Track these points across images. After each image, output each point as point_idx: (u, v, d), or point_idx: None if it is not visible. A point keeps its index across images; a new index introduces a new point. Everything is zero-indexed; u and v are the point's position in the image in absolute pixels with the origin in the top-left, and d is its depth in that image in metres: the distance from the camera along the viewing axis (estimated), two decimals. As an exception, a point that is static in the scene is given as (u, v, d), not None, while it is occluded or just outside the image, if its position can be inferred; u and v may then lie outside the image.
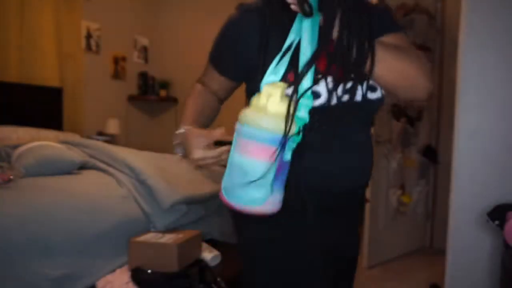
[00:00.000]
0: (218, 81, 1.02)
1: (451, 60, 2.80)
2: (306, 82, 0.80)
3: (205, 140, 0.85)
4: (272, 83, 0.81)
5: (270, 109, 0.77)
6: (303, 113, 0.81)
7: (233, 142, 0.80)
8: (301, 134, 0.80)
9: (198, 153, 0.84)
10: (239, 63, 0.95)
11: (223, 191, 0.82)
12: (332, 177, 0.91)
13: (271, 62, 0.86)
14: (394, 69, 0.84)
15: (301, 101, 0.80)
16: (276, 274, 0.90)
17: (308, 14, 0.79)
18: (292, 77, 0.84)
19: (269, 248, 0.91)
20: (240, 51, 0.93)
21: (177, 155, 0.95)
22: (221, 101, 1.07)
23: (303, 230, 0.92)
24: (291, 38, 0.83)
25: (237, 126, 0.80)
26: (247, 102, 0.96)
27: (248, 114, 0.78)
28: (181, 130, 0.92)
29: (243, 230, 0.95)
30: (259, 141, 0.77)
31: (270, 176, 0.78)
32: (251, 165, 0.77)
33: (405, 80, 0.85)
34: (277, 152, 0.76)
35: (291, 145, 0.80)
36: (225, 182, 0.82)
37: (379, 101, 0.92)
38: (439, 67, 3.37)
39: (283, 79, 0.84)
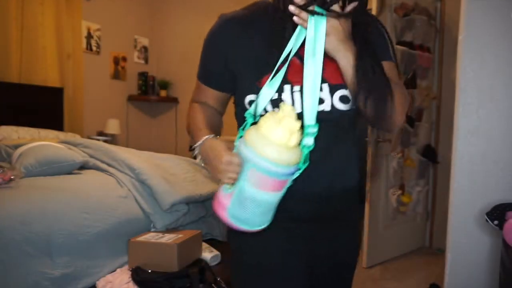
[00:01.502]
0: (211, 96, 1.01)
1: (451, 60, 2.81)
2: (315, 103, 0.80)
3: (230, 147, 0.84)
4: (288, 113, 0.78)
5: (291, 144, 0.76)
6: (311, 141, 0.80)
7: (245, 173, 0.77)
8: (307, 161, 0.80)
9: (227, 157, 0.80)
10: (224, 73, 0.94)
11: (231, 218, 0.81)
12: (311, 184, 0.91)
13: (248, 71, 0.89)
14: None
15: (310, 129, 0.80)
16: (260, 280, 0.93)
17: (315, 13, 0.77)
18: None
19: (253, 257, 0.93)
20: (221, 61, 0.93)
21: (197, 162, 0.95)
22: (221, 114, 1.06)
23: (289, 238, 0.93)
24: (287, 50, 0.82)
25: (249, 154, 0.76)
26: (237, 113, 0.98)
27: (268, 150, 0.75)
28: (201, 142, 0.90)
29: (238, 240, 0.96)
30: (279, 178, 0.77)
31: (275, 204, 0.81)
32: (266, 197, 0.78)
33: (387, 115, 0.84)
34: (288, 183, 0.79)
35: None
36: (234, 211, 0.80)
37: (351, 112, 0.90)
38: (439, 67, 3.38)
39: (279, 91, 0.85)
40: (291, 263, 0.93)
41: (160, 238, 1.81)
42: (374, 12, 2.50)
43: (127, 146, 3.75)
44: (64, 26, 3.50)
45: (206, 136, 0.89)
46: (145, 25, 4.45)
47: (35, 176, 1.97)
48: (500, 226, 1.38)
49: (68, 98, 3.53)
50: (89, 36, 3.84)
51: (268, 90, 0.84)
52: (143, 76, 4.35)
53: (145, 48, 4.47)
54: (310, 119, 0.79)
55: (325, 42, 0.77)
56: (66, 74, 3.52)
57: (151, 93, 4.39)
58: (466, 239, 1.65)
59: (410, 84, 3.08)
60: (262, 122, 0.78)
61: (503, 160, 1.58)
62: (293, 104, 0.87)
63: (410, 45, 3.06)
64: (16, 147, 2.25)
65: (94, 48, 3.89)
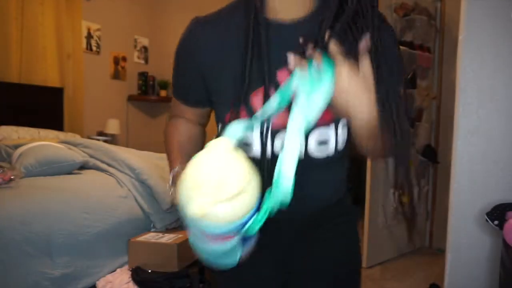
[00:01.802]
0: (190, 113, 0.89)
1: (451, 60, 2.81)
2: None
3: None
4: (225, 149, 0.58)
5: (230, 194, 0.55)
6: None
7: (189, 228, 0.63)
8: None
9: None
10: (200, 86, 0.80)
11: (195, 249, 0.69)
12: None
13: (225, 87, 0.75)
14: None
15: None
16: None
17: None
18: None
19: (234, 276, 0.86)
20: (195, 73, 0.79)
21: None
22: (203, 126, 0.94)
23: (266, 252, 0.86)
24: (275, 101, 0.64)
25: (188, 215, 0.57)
26: (218, 132, 0.83)
27: (194, 206, 0.55)
28: (175, 170, 0.81)
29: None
30: (217, 234, 0.59)
31: (236, 248, 0.64)
32: (213, 248, 0.64)
33: (381, 142, 0.68)
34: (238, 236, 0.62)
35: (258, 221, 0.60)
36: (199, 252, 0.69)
37: (329, 159, 0.77)
38: (439, 67, 3.38)
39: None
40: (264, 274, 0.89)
41: (160, 238, 1.81)
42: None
43: (127, 146, 3.75)
44: (64, 26, 3.50)
45: (175, 168, 0.82)
46: (145, 25, 4.45)
47: (35, 176, 1.97)
48: (500, 226, 1.38)
49: (68, 98, 3.53)
50: (89, 36, 3.84)
51: (236, 126, 0.63)
52: (143, 76, 4.35)
53: (145, 48, 4.47)
54: (287, 172, 0.57)
55: (330, 99, 0.58)
56: (66, 74, 3.52)
57: (151, 93, 4.39)
58: (466, 239, 1.65)
59: (410, 84, 3.08)
60: (190, 164, 0.58)
61: (503, 160, 1.58)
62: (263, 146, 0.72)
63: (410, 45, 3.06)
64: (16, 147, 2.25)
65: (94, 48, 3.89)
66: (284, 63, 0.67)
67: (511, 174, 1.57)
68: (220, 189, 0.54)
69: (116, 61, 4.14)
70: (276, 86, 0.71)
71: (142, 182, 2.01)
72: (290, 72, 0.62)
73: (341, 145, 0.78)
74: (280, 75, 0.72)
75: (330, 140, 0.76)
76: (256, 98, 0.73)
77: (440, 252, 3.06)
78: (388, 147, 0.67)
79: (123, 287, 1.68)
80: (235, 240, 0.61)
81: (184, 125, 0.90)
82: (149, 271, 1.72)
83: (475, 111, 1.62)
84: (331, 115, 0.69)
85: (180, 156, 0.84)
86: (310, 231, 0.89)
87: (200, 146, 0.91)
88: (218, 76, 0.77)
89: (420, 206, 3.35)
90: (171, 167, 0.84)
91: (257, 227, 0.59)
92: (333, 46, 0.59)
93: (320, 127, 0.74)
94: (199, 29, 0.78)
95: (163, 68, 4.50)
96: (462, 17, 1.61)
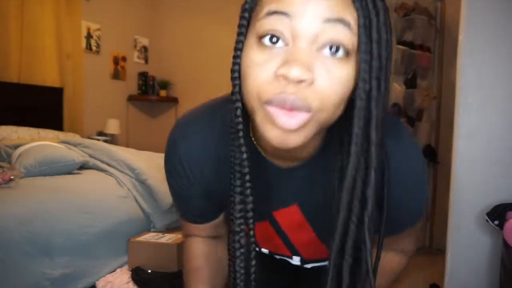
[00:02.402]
0: (201, 229, 0.80)
1: (451, 60, 2.80)
2: None
3: None
4: None
5: None
6: None
7: None
8: None
9: None
10: (206, 203, 0.73)
11: None
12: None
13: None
14: None
15: None
16: None
17: None
18: None
19: None
20: (196, 190, 0.71)
21: None
22: (221, 236, 0.83)
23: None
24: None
25: None
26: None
27: None
28: None
29: None
30: None
31: None
32: None
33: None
34: None
35: None
36: None
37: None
38: (439, 67, 3.38)
39: None
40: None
41: (160, 238, 1.81)
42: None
43: (127, 146, 3.75)
44: (63, 26, 3.49)
45: None
46: (145, 25, 4.45)
47: (34, 176, 1.97)
48: (501, 226, 1.38)
49: (68, 98, 3.53)
50: (89, 36, 3.84)
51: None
52: (143, 76, 4.35)
53: (145, 48, 4.47)
54: None
55: None
56: (66, 74, 3.52)
57: (151, 93, 4.39)
58: (466, 239, 1.65)
59: (410, 84, 3.08)
60: None
61: (503, 160, 1.58)
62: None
63: (410, 45, 3.06)
64: (16, 147, 2.25)
65: (94, 48, 3.88)
66: (282, 204, 0.68)
67: (511, 174, 1.57)
68: None
69: (116, 61, 4.14)
70: (273, 223, 0.71)
71: (142, 182, 2.01)
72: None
73: None
74: (277, 215, 0.71)
75: None
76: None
77: (440, 252, 3.06)
78: None
79: (123, 287, 1.68)
80: None
81: (199, 245, 0.81)
82: (149, 271, 1.72)
83: (475, 111, 1.62)
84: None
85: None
86: None
87: (224, 261, 0.77)
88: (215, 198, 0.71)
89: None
90: None
91: None
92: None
93: (317, 262, 0.77)
94: (185, 148, 0.69)
95: (163, 68, 4.50)
96: (462, 17, 1.61)
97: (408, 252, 0.74)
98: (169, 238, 1.81)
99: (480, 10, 1.59)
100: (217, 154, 0.66)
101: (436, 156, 3.35)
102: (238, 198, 0.59)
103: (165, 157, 0.72)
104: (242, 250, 0.61)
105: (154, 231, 1.94)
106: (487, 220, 1.44)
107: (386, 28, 0.50)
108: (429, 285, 2.47)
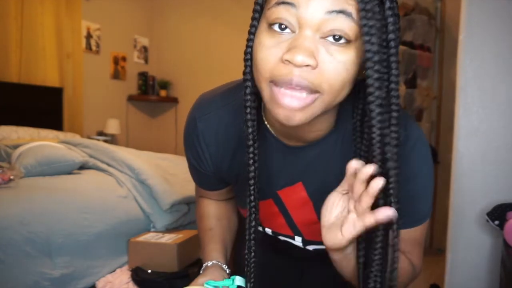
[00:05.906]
0: (212, 194, 0.89)
1: (451, 60, 2.80)
2: None
3: None
4: None
5: None
6: None
7: None
8: None
9: None
10: (218, 176, 0.80)
11: None
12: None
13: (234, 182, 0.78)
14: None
15: None
16: None
17: None
18: None
19: None
20: (209, 165, 0.77)
21: None
22: (231, 199, 0.92)
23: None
24: None
25: None
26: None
27: None
28: (208, 264, 0.80)
29: None
30: None
31: None
32: None
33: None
34: None
35: None
36: None
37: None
38: (439, 67, 3.38)
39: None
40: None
41: (160, 238, 1.81)
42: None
43: (127, 146, 3.75)
44: (63, 26, 3.49)
45: (208, 263, 0.80)
46: (145, 25, 4.45)
47: (34, 176, 1.97)
48: (501, 226, 1.38)
49: (68, 98, 3.53)
50: (89, 36, 3.83)
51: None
52: (143, 76, 4.35)
53: (145, 48, 4.47)
54: None
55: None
56: (65, 74, 3.52)
57: (151, 93, 4.39)
58: (466, 239, 1.65)
59: (410, 84, 3.08)
60: None
61: (503, 160, 1.58)
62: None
63: (410, 44, 3.06)
64: (16, 147, 2.25)
65: (93, 48, 3.88)
66: (287, 183, 0.71)
67: (511, 174, 1.57)
68: None
69: (116, 61, 4.14)
70: (278, 201, 0.75)
71: (142, 182, 2.01)
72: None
73: None
74: (281, 193, 0.73)
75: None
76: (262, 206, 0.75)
77: (440, 252, 3.06)
78: None
79: (123, 287, 1.68)
80: None
81: (211, 207, 0.89)
82: (149, 271, 1.72)
83: (475, 111, 1.62)
84: None
85: (215, 249, 0.82)
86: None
87: (233, 221, 0.92)
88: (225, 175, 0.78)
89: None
90: (204, 259, 0.82)
91: None
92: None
93: (318, 244, 0.78)
94: (202, 125, 0.74)
95: (163, 68, 4.50)
96: (462, 17, 1.61)
97: (415, 266, 0.74)
98: (169, 238, 1.81)
99: (480, 10, 1.59)
100: (233, 133, 0.72)
101: (436, 156, 3.35)
102: (250, 174, 0.64)
103: (184, 132, 0.78)
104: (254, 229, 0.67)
105: (154, 231, 1.94)
106: (487, 220, 1.44)
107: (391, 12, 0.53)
108: (429, 285, 2.46)
